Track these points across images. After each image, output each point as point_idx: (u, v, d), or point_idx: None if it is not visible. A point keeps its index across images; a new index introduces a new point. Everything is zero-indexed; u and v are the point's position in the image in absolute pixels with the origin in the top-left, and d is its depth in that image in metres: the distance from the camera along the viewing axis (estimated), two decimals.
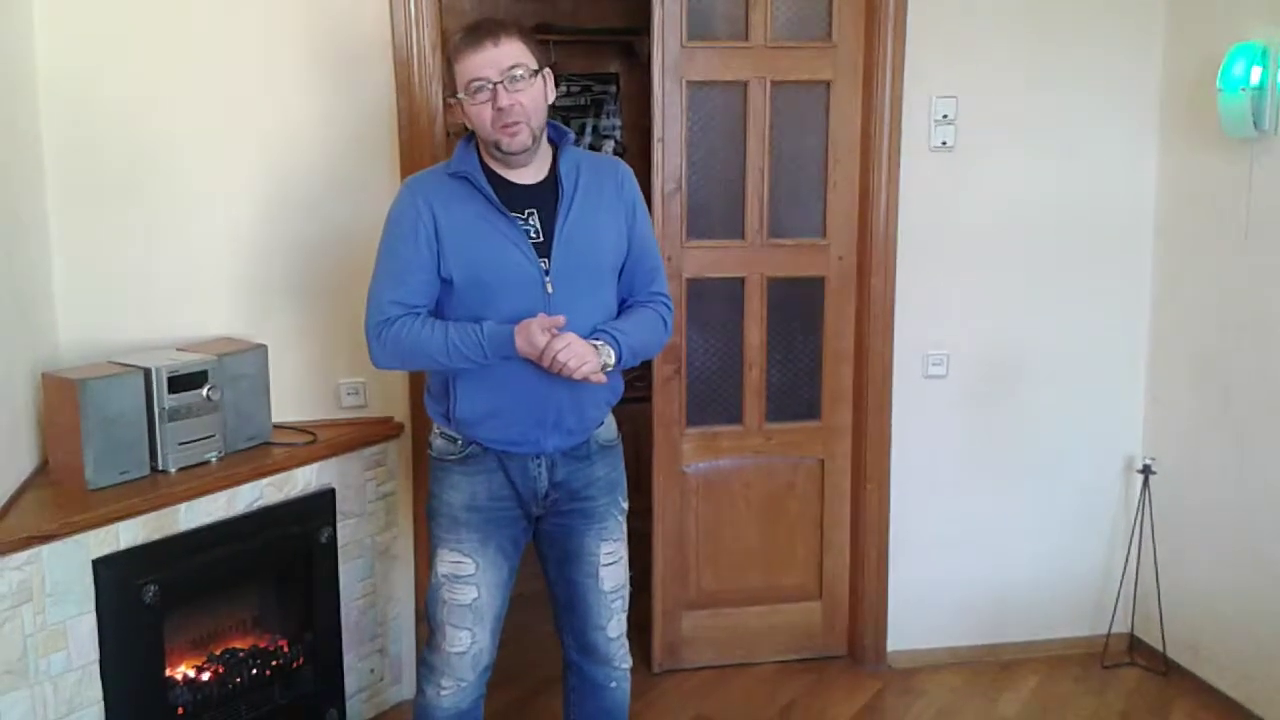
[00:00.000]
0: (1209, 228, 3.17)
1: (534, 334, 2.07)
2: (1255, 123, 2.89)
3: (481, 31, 2.13)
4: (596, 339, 2.16)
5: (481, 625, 2.31)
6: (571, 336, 2.09)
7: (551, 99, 2.21)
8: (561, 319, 2.09)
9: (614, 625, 2.40)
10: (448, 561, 2.30)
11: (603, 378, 2.14)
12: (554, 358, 2.07)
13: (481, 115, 2.13)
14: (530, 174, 2.23)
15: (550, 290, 2.17)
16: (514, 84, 2.11)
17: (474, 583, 2.28)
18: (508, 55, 2.11)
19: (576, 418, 2.27)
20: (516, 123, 2.13)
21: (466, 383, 2.21)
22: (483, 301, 2.16)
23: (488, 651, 2.34)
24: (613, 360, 2.16)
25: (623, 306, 2.33)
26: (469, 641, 2.30)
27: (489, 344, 2.12)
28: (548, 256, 2.18)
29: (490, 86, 2.11)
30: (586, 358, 2.10)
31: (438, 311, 2.22)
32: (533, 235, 2.19)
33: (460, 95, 2.15)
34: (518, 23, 2.22)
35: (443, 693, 2.33)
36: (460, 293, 2.18)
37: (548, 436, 2.25)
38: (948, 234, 3.29)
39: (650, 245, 2.37)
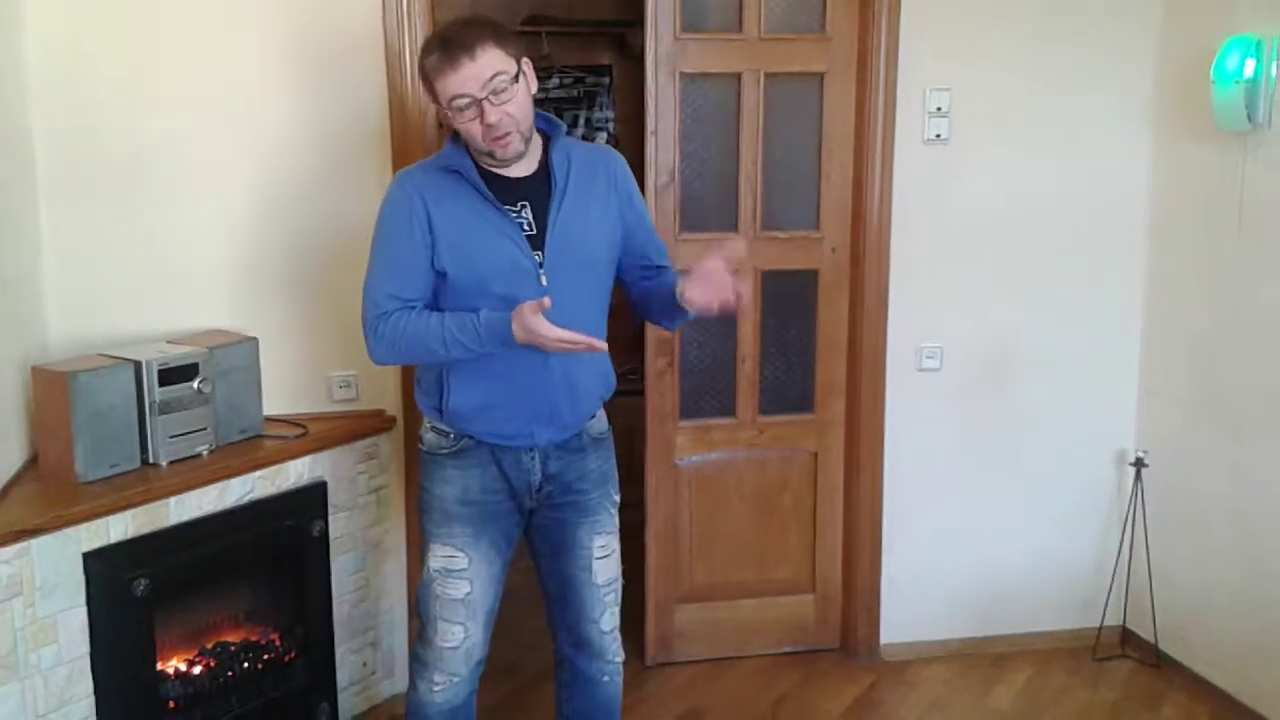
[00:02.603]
0: (1202, 220, 3.17)
1: (526, 317, 2.02)
2: (1249, 115, 2.89)
3: (455, 47, 2.04)
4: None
5: (474, 620, 2.30)
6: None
7: (534, 89, 2.14)
8: (547, 300, 2.02)
9: (607, 619, 2.40)
10: (440, 556, 2.29)
11: (602, 345, 2.10)
12: (555, 336, 2.02)
13: (471, 131, 2.09)
14: (522, 167, 2.20)
15: (544, 283, 2.14)
16: (498, 96, 2.05)
17: (467, 577, 2.28)
18: (487, 66, 2.04)
19: (571, 411, 2.27)
20: (507, 133, 2.09)
21: (459, 375, 2.20)
22: (477, 295, 2.14)
23: (480, 646, 2.34)
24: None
25: (647, 282, 2.32)
26: (462, 636, 2.29)
27: (485, 331, 2.09)
28: (541, 249, 2.16)
29: (475, 103, 2.05)
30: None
31: (434, 306, 2.20)
32: (525, 228, 2.17)
33: (445, 110, 2.09)
34: (486, 22, 2.11)
35: (435, 688, 2.33)
36: (455, 286, 2.17)
37: (542, 430, 2.25)
38: (941, 227, 3.29)
39: (651, 225, 2.39)
